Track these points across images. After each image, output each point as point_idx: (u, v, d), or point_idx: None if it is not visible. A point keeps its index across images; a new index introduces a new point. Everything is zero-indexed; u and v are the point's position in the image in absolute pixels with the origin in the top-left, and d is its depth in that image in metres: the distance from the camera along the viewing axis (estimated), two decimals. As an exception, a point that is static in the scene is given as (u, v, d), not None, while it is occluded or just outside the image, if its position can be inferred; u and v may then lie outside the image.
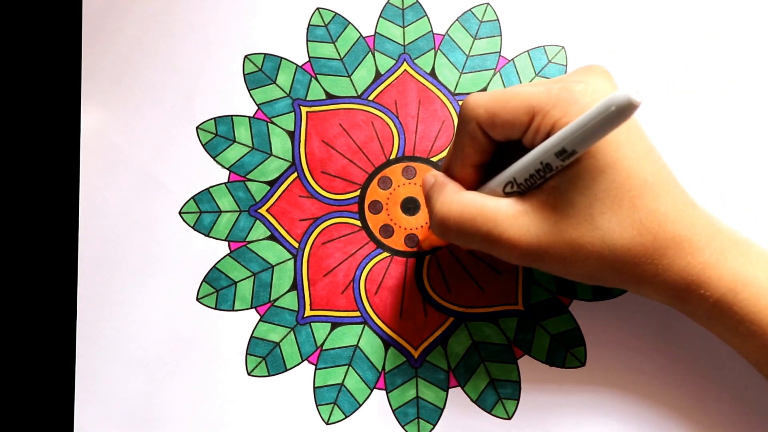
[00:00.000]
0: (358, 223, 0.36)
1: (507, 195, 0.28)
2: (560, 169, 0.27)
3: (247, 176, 0.37)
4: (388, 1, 0.38)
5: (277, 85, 0.37)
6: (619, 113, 0.22)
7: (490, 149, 0.29)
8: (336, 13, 0.38)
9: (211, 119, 0.37)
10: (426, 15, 0.38)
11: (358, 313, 0.36)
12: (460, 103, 0.37)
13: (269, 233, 0.36)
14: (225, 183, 0.37)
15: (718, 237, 0.28)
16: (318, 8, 0.38)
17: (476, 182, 0.30)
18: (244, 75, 0.37)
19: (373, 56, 0.37)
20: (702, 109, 0.37)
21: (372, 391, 0.35)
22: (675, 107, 0.37)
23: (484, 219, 0.28)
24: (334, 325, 0.36)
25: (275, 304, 0.36)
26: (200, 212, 0.37)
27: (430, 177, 0.31)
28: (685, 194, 0.29)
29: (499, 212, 0.28)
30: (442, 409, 0.35)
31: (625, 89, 0.22)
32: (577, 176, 0.26)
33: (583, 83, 0.27)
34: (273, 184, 0.37)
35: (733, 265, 0.28)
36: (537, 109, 0.27)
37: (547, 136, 0.27)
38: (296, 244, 0.36)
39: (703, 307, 0.28)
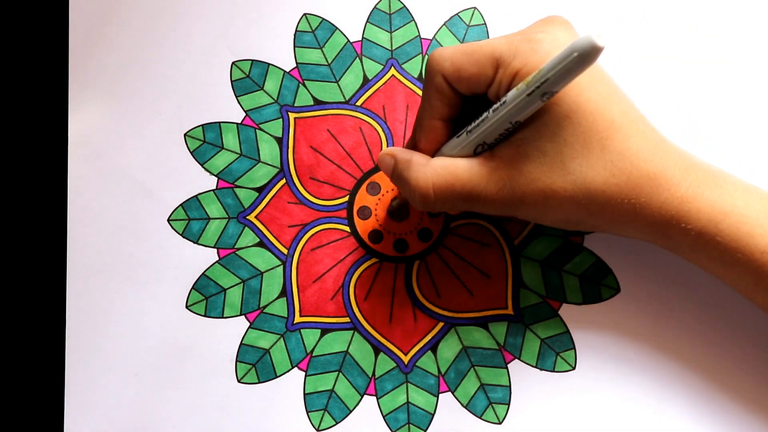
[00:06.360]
0: (347, 228, 0.36)
1: (477, 154, 0.29)
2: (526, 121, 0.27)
3: (236, 183, 0.37)
4: (375, 7, 0.38)
5: (264, 91, 0.37)
6: (583, 59, 0.22)
7: (457, 103, 0.30)
8: (323, 19, 0.38)
9: (198, 126, 0.37)
10: (413, 20, 0.38)
11: (347, 319, 0.36)
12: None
13: (258, 240, 0.36)
14: (213, 190, 0.37)
15: (693, 171, 0.28)
16: (305, 14, 0.38)
17: (445, 136, 0.30)
18: (231, 81, 0.37)
19: (361, 61, 0.37)
20: (689, 116, 0.37)
21: (362, 396, 0.35)
22: (664, 118, 0.37)
23: (461, 183, 0.28)
24: (324, 332, 0.36)
25: (264, 310, 0.36)
26: (189, 219, 0.36)
27: (387, 158, 0.31)
28: (655, 132, 0.29)
29: (473, 173, 0.28)
30: (433, 414, 0.35)
31: (587, 34, 0.22)
32: (544, 125, 0.27)
33: (543, 33, 0.27)
34: (261, 190, 0.37)
35: (711, 197, 0.28)
36: (500, 61, 0.27)
37: (509, 86, 0.27)
38: (285, 251, 0.36)
39: (686, 241, 0.29)
